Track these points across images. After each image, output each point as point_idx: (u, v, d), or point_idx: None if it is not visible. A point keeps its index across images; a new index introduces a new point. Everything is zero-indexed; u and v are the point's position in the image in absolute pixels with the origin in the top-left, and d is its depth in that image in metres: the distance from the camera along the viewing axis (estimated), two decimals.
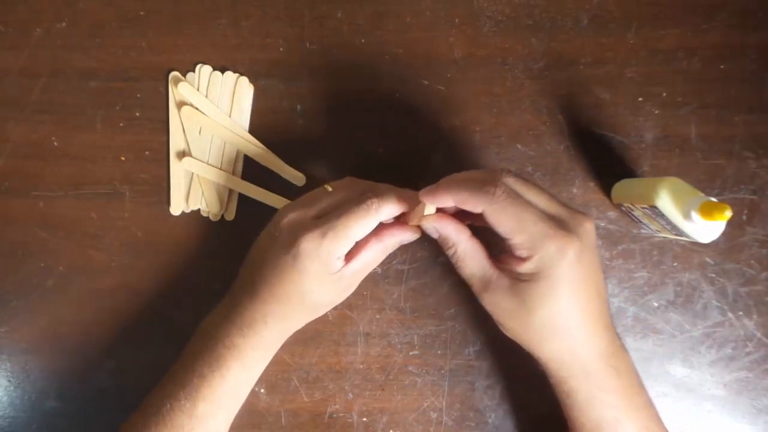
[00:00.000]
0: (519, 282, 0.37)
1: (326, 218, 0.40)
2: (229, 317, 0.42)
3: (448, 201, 0.38)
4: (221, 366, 0.41)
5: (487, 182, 0.36)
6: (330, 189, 0.43)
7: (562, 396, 0.40)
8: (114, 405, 0.49)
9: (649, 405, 0.40)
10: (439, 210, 0.40)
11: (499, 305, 0.38)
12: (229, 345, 0.41)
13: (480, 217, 0.37)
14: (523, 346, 0.40)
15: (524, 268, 0.36)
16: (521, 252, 0.36)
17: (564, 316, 0.37)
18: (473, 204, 0.36)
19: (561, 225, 0.36)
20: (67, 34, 0.51)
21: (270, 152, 0.50)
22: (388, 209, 0.40)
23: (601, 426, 0.39)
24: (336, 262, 0.40)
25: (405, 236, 0.42)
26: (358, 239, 0.40)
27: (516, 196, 0.36)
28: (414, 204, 0.41)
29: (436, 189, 0.38)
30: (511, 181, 0.37)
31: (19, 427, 0.50)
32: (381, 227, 0.41)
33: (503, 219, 0.36)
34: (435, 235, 0.40)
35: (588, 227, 0.37)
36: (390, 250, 0.43)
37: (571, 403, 0.40)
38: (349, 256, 0.41)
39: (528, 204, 0.36)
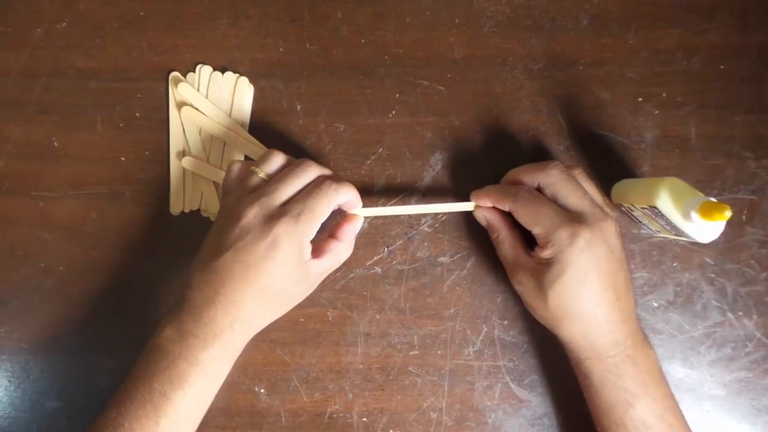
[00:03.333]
0: (539, 266, 0.41)
1: (292, 204, 0.41)
2: (191, 330, 0.40)
3: (487, 202, 0.45)
4: (184, 383, 0.40)
5: (514, 187, 0.44)
6: (261, 174, 0.44)
7: (580, 377, 0.43)
8: None
9: (667, 397, 0.41)
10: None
11: (523, 284, 0.43)
12: (192, 361, 0.40)
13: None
14: (546, 326, 0.43)
15: (543, 254, 0.41)
16: (541, 241, 0.41)
17: (576, 300, 0.40)
18: (503, 204, 0.44)
19: (578, 218, 0.40)
20: (67, 34, 0.51)
21: None
22: (344, 188, 0.43)
23: (613, 408, 0.41)
24: (308, 247, 0.42)
25: (355, 225, 0.46)
26: (323, 220, 0.42)
27: (536, 196, 0.42)
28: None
29: (479, 193, 0.46)
30: (554, 173, 0.42)
31: (20, 427, 0.50)
32: (334, 228, 0.45)
33: (524, 214, 0.42)
34: (484, 223, 0.47)
35: (605, 225, 0.40)
36: (350, 248, 0.46)
37: (587, 384, 0.42)
38: (315, 254, 0.43)
39: (546, 201, 0.41)
